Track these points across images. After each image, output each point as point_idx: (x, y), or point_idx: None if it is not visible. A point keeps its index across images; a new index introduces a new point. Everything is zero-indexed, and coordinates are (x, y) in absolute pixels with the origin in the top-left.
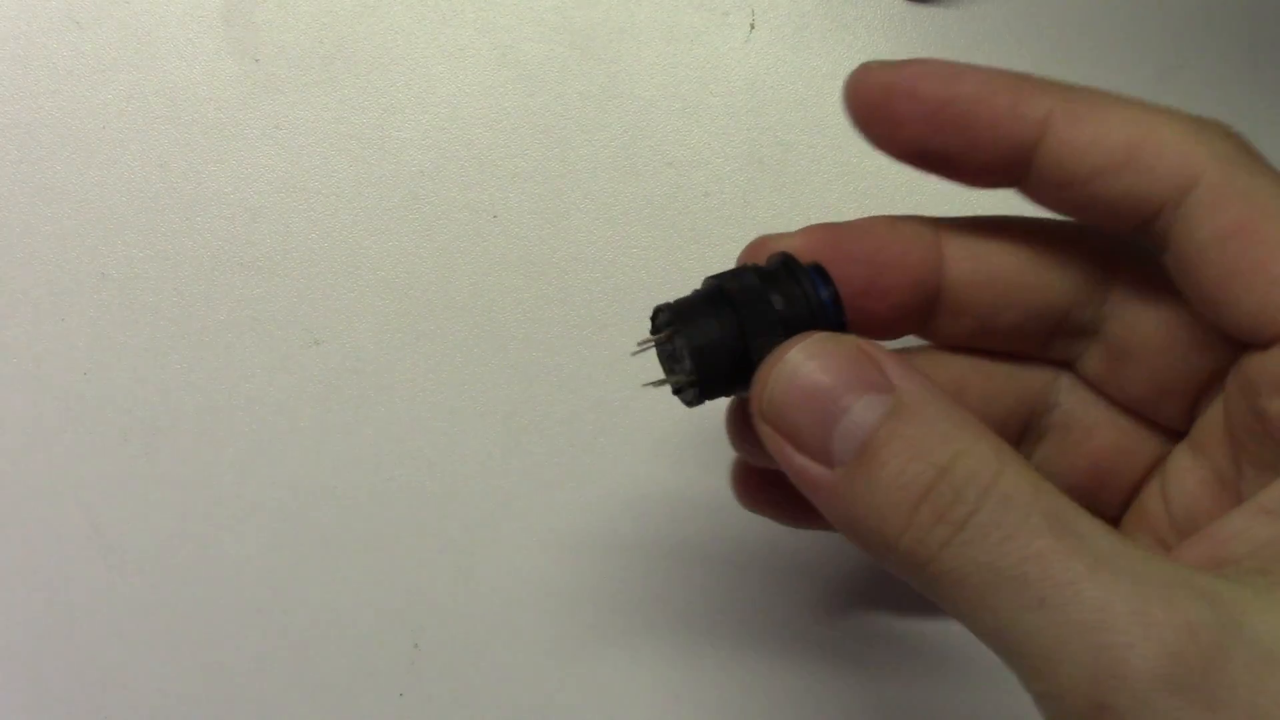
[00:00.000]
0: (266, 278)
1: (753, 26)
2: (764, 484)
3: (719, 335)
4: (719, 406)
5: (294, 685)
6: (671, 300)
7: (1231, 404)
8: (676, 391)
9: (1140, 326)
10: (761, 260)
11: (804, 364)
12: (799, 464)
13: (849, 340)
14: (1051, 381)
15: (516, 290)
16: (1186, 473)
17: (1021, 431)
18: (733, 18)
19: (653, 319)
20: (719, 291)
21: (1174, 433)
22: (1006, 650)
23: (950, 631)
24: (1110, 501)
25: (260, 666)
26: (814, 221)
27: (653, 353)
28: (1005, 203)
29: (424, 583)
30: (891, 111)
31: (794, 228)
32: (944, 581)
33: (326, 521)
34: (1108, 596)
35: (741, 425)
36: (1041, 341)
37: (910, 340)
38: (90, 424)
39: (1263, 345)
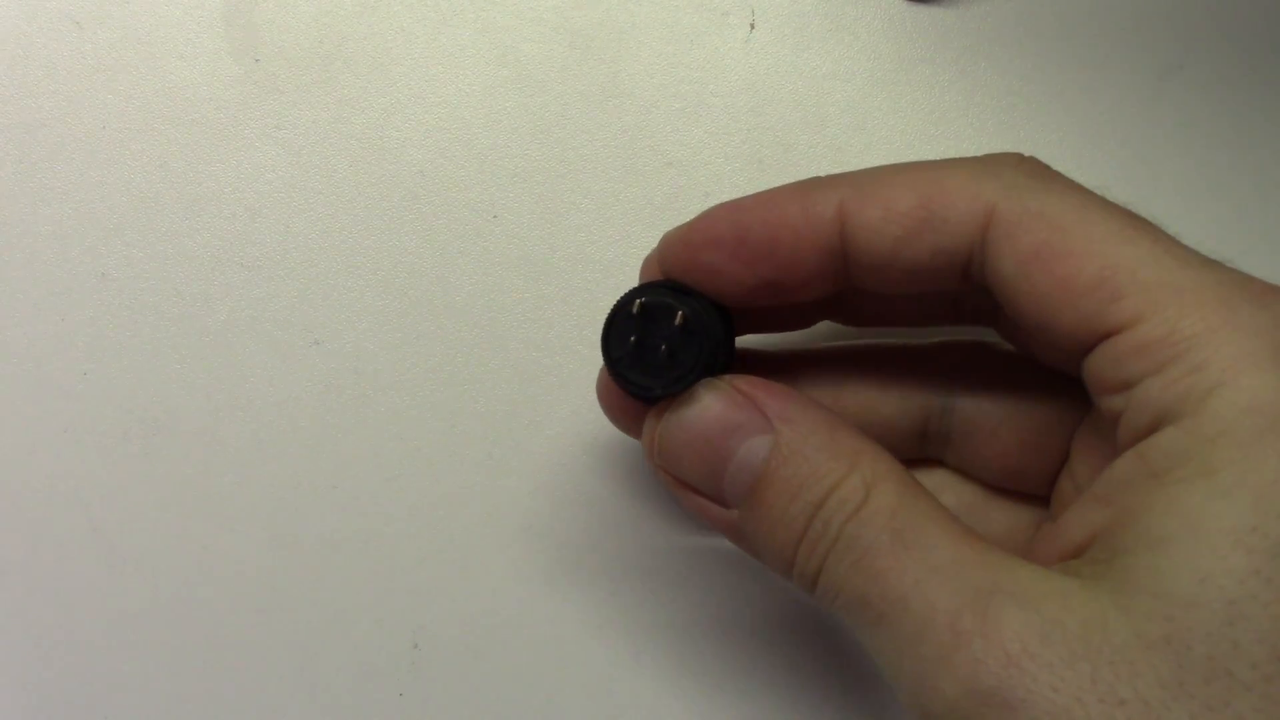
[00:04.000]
0: (266, 278)
1: (753, 26)
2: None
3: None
4: None
5: (294, 685)
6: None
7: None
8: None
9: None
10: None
11: (687, 414)
12: (697, 504)
13: (725, 385)
14: (947, 387)
15: (516, 290)
16: (1092, 451)
17: (921, 436)
18: (733, 18)
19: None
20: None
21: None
22: (879, 666)
23: None
24: (1037, 482)
25: (260, 666)
26: None
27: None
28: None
29: (424, 583)
30: (702, 264)
31: None
32: (825, 606)
33: (326, 521)
34: (929, 610)
35: (613, 399)
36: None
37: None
38: (90, 424)
39: (1088, 352)
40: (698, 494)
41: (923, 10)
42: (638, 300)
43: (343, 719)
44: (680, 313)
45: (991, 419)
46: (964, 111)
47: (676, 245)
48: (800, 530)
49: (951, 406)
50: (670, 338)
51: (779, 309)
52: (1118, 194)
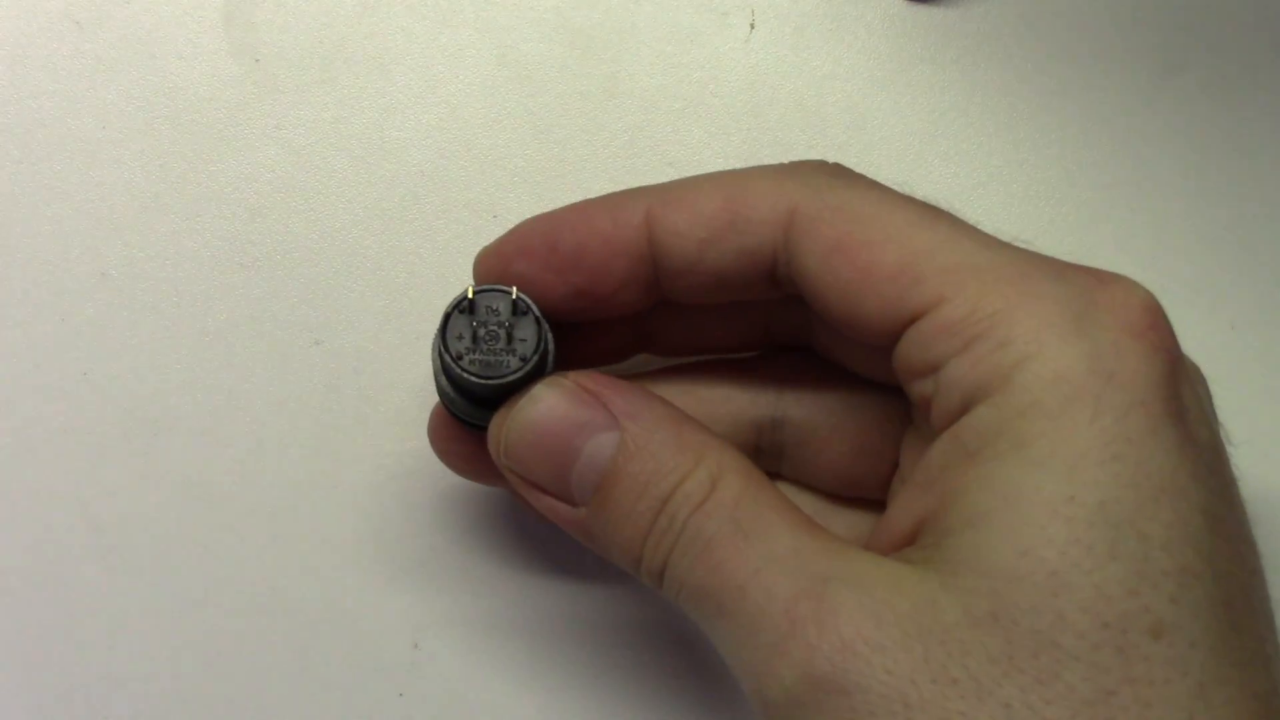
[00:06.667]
0: (266, 278)
1: (753, 26)
2: (460, 437)
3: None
4: None
5: (294, 685)
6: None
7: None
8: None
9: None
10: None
11: (532, 412)
12: (546, 504)
13: (569, 383)
14: (775, 401)
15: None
16: (919, 453)
17: (755, 449)
18: (733, 18)
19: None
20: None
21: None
22: (725, 658)
23: None
24: (873, 487)
25: (260, 666)
26: None
27: None
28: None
29: (424, 583)
30: (514, 274)
31: None
32: (671, 598)
33: (327, 521)
34: (767, 598)
35: (445, 435)
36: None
37: None
38: (90, 424)
39: (894, 340)
40: (546, 493)
41: (923, 10)
42: (470, 289)
43: (343, 719)
44: (514, 289)
45: (823, 428)
46: (964, 111)
47: (490, 258)
48: (647, 525)
49: (782, 419)
50: (506, 322)
51: (594, 331)
52: (1118, 194)
